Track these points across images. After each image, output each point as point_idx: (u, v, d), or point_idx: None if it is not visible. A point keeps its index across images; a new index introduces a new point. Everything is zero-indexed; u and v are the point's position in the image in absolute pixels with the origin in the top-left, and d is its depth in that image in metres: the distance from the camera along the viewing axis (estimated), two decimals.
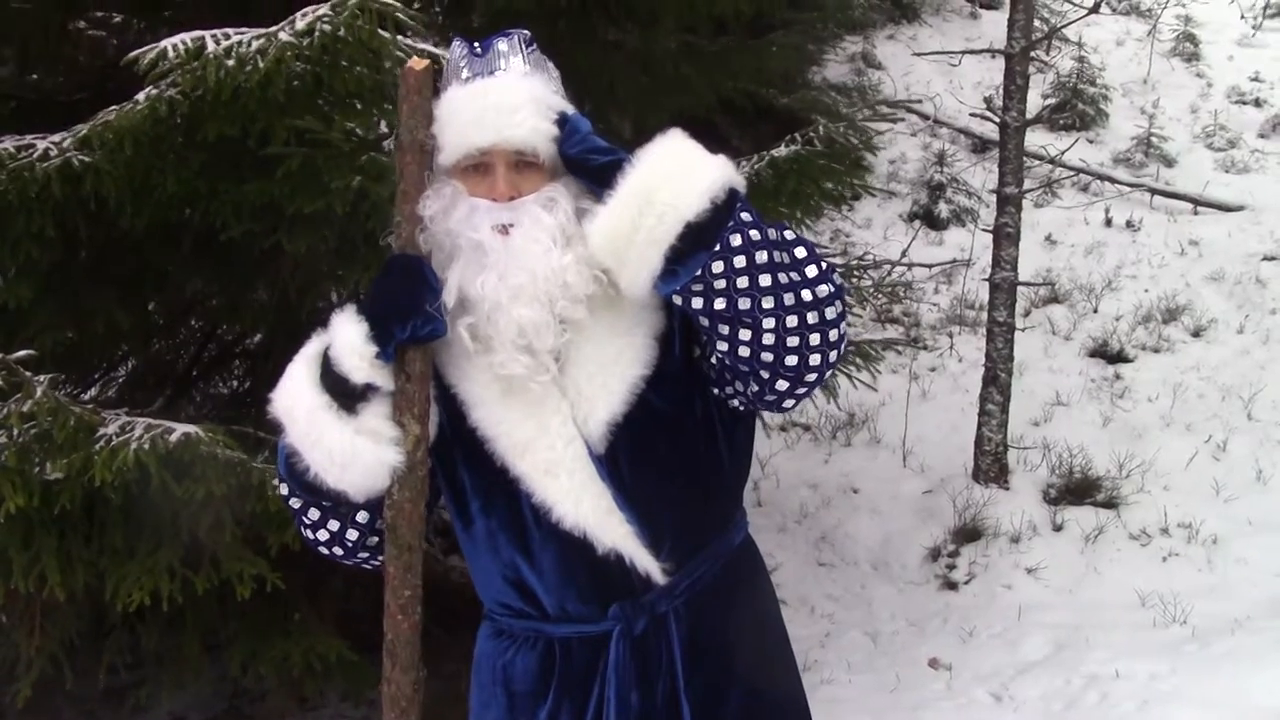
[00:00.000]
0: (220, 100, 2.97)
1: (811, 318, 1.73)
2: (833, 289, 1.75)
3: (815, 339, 1.74)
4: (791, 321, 1.72)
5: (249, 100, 2.99)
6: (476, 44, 1.87)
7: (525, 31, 1.91)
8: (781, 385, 1.80)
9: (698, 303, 1.73)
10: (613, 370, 1.84)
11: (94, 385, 4.45)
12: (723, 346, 1.77)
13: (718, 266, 1.70)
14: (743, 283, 1.70)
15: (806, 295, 1.72)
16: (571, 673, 1.91)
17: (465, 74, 1.85)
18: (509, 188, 1.80)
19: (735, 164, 1.82)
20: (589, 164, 1.79)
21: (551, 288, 1.77)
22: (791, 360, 1.75)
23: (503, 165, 1.81)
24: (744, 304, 1.71)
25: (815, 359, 1.77)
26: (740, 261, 1.70)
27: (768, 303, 1.71)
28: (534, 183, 1.82)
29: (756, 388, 1.81)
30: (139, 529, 3.07)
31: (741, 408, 1.91)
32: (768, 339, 1.73)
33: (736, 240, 1.70)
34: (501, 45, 1.86)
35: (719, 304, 1.72)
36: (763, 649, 2.01)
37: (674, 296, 1.75)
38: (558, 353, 1.82)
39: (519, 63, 1.85)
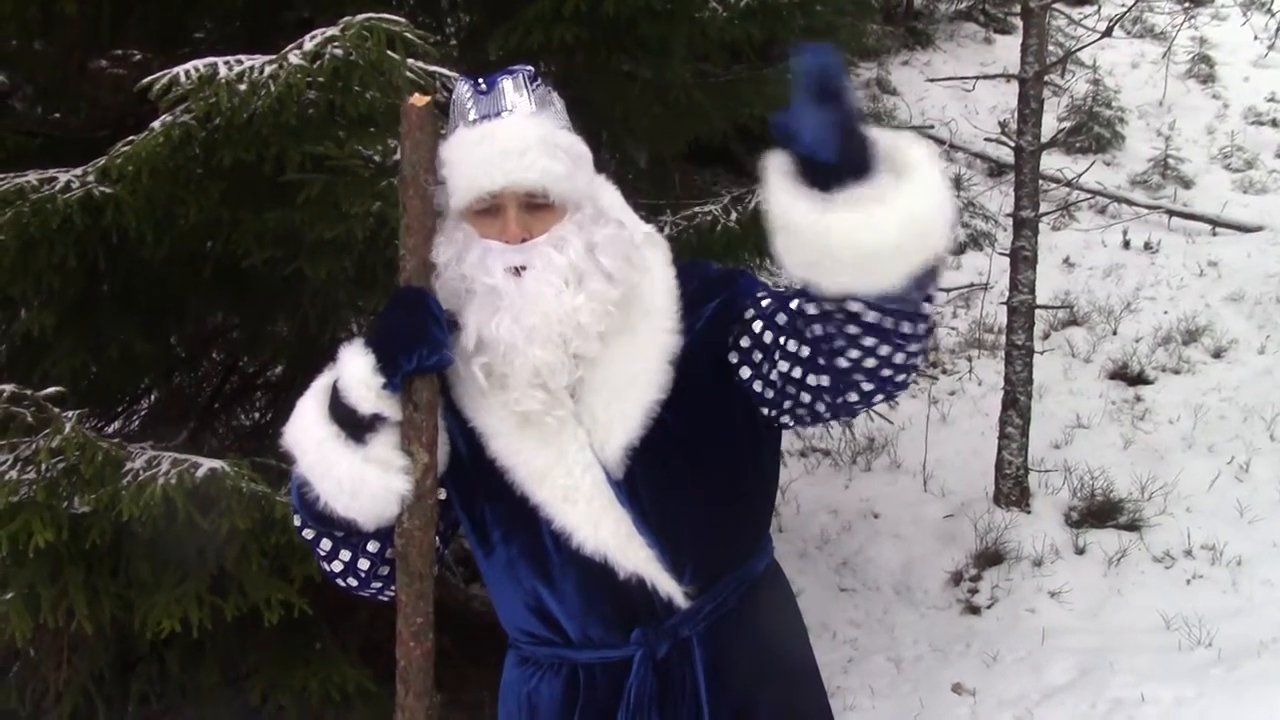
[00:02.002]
0: (234, 126, 2.99)
1: (898, 359, 1.70)
2: (923, 341, 1.71)
3: (887, 373, 1.72)
4: (871, 364, 1.70)
5: (263, 125, 3.00)
6: (481, 81, 1.87)
7: (529, 68, 1.90)
8: (853, 398, 1.77)
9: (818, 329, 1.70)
10: (628, 396, 1.84)
11: (117, 419, 4.48)
12: (796, 373, 1.77)
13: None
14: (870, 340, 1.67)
15: (900, 358, 1.70)
16: (595, 699, 1.90)
17: (472, 115, 1.84)
18: (521, 229, 1.80)
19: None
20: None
21: (565, 329, 1.78)
22: (867, 386, 1.74)
23: (514, 207, 1.80)
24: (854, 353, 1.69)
25: (880, 395, 1.76)
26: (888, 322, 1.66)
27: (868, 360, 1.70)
28: (545, 223, 1.81)
29: (823, 406, 1.80)
30: (165, 561, 3.09)
31: (791, 424, 1.88)
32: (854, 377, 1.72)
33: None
34: (507, 84, 1.85)
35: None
36: (789, 675, 2.00)
37: (800, 319, 1.73)
38: (572, 386, 1.83)
39: (525, 102, 1.84)
